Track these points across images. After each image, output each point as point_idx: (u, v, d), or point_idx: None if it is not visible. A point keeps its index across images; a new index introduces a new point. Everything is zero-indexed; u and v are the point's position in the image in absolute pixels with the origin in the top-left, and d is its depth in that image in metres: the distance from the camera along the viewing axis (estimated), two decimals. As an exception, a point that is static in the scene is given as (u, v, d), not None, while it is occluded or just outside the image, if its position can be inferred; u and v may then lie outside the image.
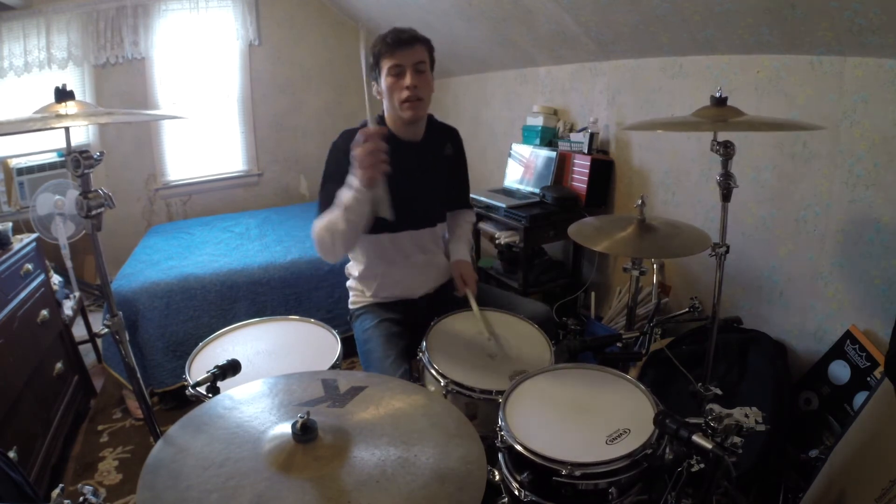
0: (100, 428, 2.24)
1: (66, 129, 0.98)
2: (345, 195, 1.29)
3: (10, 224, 1.99)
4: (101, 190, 0.99)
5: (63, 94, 1.02)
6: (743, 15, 1.66)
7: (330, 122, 4.17)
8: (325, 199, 1.43)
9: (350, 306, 1.68)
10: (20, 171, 3.12)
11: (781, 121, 1.30)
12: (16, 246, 1.96)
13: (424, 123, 1.57)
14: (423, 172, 1.57)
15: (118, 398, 2.41)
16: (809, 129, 1.29)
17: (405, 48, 1.42)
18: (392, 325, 1.53)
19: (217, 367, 1.09)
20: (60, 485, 0.76)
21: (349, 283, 1.69)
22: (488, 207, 2.65)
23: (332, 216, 1.33)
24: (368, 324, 1.55)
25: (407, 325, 1.56)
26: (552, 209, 2.45)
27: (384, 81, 1.45)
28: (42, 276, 2.12)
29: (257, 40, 3.82)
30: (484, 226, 2.74)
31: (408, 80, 1.42)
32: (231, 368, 1.10)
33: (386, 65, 1.43)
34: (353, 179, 1.26)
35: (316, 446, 0.74)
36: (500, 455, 1.10)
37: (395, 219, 1.36)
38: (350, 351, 1.55)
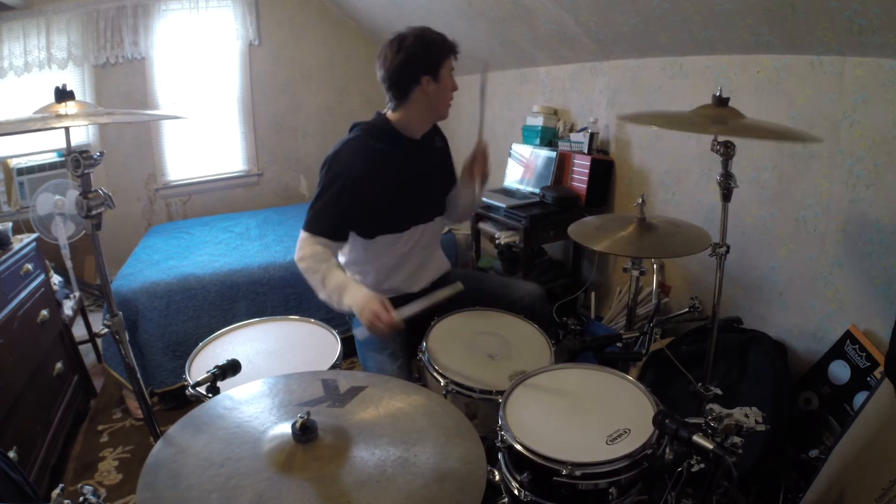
0: (100, 428, 2.24)
1: (66, 129, 0.98)
2: (346, 298, 1.35)
3: (10, 224, 1.99)
4: (101, 190, 0.99)
5: (63, 94, 1.02)
6: (743, 15, 1.66)
7: (330, 122, 4.17)
8: (314, 217, 1.45)
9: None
10: (20, 171, 3.11)
11: (780, 128, 1.28)
12: (16, 246, 1.96)
13: None
14: (426, 168, 1.60)
15: (118, 398, 2.41)
16: (807, 140, 1.27)
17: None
18: None
19: (217, 367, 1.09)
20: (60, 485, 0.76)
21: None
22: (488, 207, 2.64)
23: (333, 284, 1.38)
24: None
25: (406, 324, 1.56)
26: (552, 209, 2.45)
27: (446, 81, 1.49)
28: (42, 276, 2.12)
29: (257, 40, 3.82)
30: (484, 226, 2.74)
31: (456, 84, 1.52)
32: (231, 368, 1.10)
33: (450, 65, 1.49)
34: (356, 309, 1.31)
35: (316, 446, 0.74)
36: (500, 455, 1.10)
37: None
38: (350, 351, 1.55)
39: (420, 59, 1.44)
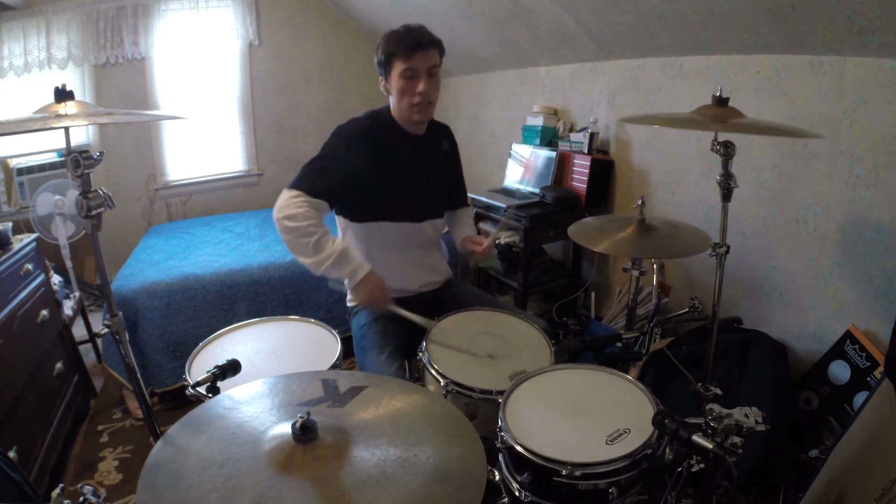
0: (100, 428, 2.24)
1: (66, 129, 0.98)
2: (344, 268, 1.36)
3: (10, 224, 1.99)
4: (101, 190, 0.99)
5: (63, 94, 1.02)
6: (743, 15, 1.66)
7: (330, 122, 4.12)
8: (310, 175, 1.42)
9: (348, 303, 1.68)
10: (20, 171, 3.12)
11: (781, 126, 1.29)
12: (16, 246, 1.96)
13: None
14: (424, 167, 1.59)
15: (118, 398, 2.41)
16: (809, 136, 1.28)
17: (421, 52, 1.41)
18: (388, 323, 1.54)
19: (217, 367, 1.08)
20: (60, 485, 0.76)
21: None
22: (488, 207, 2.64)
23: (328, 251, 1.35)
24: (364, 321, 1.55)
25: (403, 324, 1.56)
26: (552, 209, 2.45)
27: (395, 82, 1.44)
28: (42, 276, 2.12)
29: (257, 40, 3.82)
30: (484, 226, 2.74)
31: (421, 87, 1.42)
32: (231, 368, 1.10)
33: (399, 67, 1.42)
34: (352, 285, 1.38)
35: (316, 446, 0.74)
36: (500, 455, 1.10)
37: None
38: (350, 351, 1.55)
39: (377, 59, 1.49)
